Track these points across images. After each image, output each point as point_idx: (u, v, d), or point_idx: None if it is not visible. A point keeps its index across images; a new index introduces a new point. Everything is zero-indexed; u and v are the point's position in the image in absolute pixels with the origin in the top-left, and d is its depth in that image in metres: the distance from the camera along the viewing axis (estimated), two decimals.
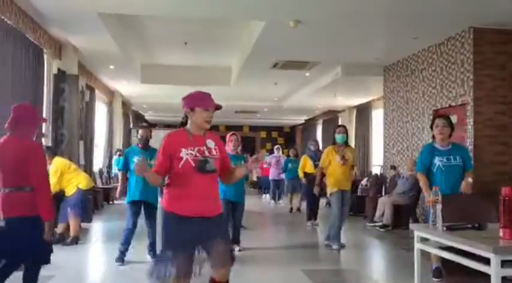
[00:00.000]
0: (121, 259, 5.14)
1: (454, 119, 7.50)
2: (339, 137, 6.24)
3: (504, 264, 2.08)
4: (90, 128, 10.77)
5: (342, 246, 6.11)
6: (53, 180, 6.12)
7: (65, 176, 6.42)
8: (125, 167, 5.35)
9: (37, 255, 3.45)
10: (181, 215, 2.75)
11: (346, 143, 6.30)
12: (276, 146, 14.07)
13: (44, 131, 7.90)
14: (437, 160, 4.30)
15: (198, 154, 2.80)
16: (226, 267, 2.81)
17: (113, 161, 13.23)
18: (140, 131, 5.40)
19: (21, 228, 3.25)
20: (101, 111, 12.75)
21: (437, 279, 4.15)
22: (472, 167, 4.51)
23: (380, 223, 8.20)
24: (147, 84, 12.20)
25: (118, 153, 13.12)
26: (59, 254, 5.67)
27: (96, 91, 11.50)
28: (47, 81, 8.15)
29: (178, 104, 10.99)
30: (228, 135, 5.98)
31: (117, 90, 13.94)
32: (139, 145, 5.36)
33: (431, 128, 4.51)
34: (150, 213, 5.25)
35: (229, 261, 2.84)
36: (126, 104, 15.89)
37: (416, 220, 7.87)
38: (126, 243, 5.17)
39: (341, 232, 6.22)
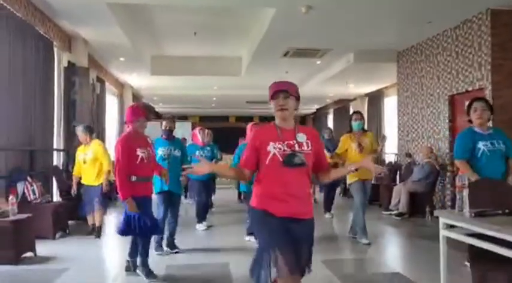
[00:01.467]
0: (160, 248, 5.23)
1: None
2: (355, 124, 6.05)
3: None
4: (102, 120, 10.75)
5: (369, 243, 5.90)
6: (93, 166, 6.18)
7: (98, 160, 6.22)
8: None
9: None
10: (273, 213, 2.55)
11: (363, 129, 6.13)
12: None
13: (55, 123, 7.91)
14: (481, 145, 3.96)
15: (286, 149, 2.60)
16: (298, 276, 2.53)
17: None
18: (164, 122, 5.36)
19: None
20: (111, 103, 12.73)
21: None
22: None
23: (396, 212, 8.08)
24: (157, 76, 12.14)
25: None
26: (74, 247, 5.69)
27: (107, 83, 11.48)
28: (57, 74, 8.13)
29: (188, 95, 10.96)
30: (249, 125, 5.90)
31: (127, 82, 13.90)
32: (164, 136, 5.34)
33: (468, 112, 4.22)
34: (174, 203, 5.32)
35: (303, 271, 2.58)
36: (136, 96, 15.86)
37: (433, 208, 7.74)
38: (162, 231, 5.20)
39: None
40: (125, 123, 4.43)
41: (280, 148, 2.59)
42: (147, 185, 4.25)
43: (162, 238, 5.32)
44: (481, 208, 2.44)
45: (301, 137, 2.67)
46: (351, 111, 16.44)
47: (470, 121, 4.15)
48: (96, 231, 6.30)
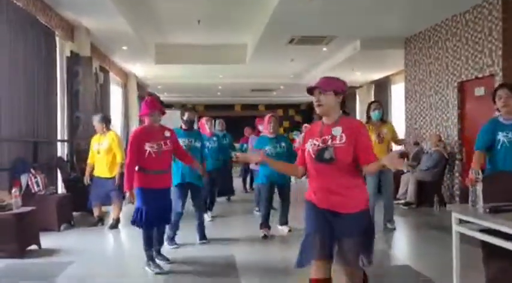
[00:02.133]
0: (173, 242, 5.20)
1: (481, 91, 7.22)
2: (374, 114, 5.94)
3: None
4: (106, 110, 10.68)
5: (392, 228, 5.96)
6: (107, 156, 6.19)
7: (112, 151, 6.22)
8: None
9: None
10: (316, 204, 2.67)
11: (382, 119, 6.01)
12: (305, 125, 13.36)
13: (59, 114, 7.85)
14: (501, 136, 3.71)
15: (321, 144, 2.64)
16: (347, 269, 2.62)
17: None
18: (186, 113, 5.36)
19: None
20: (115, 93, 12.65)
21: None
22: None
23: (403, 201, 7.99)
24: (162, 65, 12.03)
25: None
26: (79, 239, 5.66)
27: (110, 73, 11.39)
28: (60, 64, 8.04)
29: (193, 84, 10.86)
30: (266, 117, 5.84)
31: (132, 72, 13.81)
32: (184, 127, 5.35)
33: (494, 100, 4.03)
34: (196, 195, 5.29)
35: (353, 264, 2.59)
36: (141, 86, 15.77)
37: (441, 198, 7.64)
38: (175, 227, 5.18)
39: (390, 211, 6.03)
40: (140, 117, 4.46)
41: (315, 144, 2.66)
42: (156, 178, 4.19)
43: (175, 233, 5.23)
44: (496, 203, 2.34)
45: (337, 131, 2.66)
46: (357, 99, 16.33)
47: (498, 110, 3.93)
48: (114, 223, 6.30)
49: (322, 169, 2.63)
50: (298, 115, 24.02)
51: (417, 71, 9.22)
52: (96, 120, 6.47)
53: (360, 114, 15.75)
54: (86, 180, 6.41)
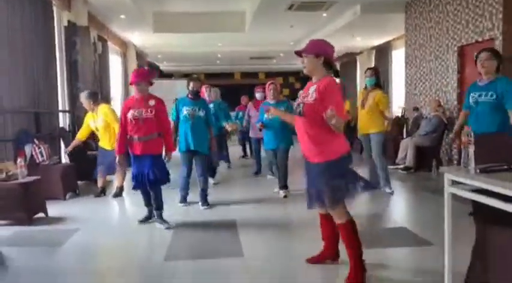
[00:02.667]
0: (185, 200, 5.67)
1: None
2: (366, 80, 6.10)
3: None
4: (105, 80, 10.67)
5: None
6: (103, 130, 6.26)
7: (110, 125, 6.20)
8: (177, 117, 5.59)
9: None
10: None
11: (375, 86, 6.04)
12: (300, 92, 13.38)
13: (59, 84, 7.86)
14: (470, 97, 4.10)
15: (300, 100, 3.06)
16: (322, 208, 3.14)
17: None
18: (191, 83, 5.58)
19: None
20: (115, 63, 12.59)
21: None
22: None
23: (402, 166, 8.09)
24: (160, 34, 11.91)
25: None
26: (85, 207, 5.80)
27: (109, 43, 11.30)
28: (57, 34, 7.99)
29: (193, 53, 10.84)
30: (266, 84, 6.21)
31: (130, 41, 13.68)
32: (190, 96, 5.58)
33: (476, 64, 4.15)
34: (199, 162, 5.53)
35: (320, 205, 3.10)
36: (140, 55, 15.65)
37: (439, 162, 7.74)
38: (185, 188, 5.65)
39: (380, 175, 6.12)
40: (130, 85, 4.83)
41: (298, 101, 3.07)
42: (137, 144, 4.53)
43: (187, 193, 5.68)
44: (487, 165, 2.41)
45: (312, 89, 3.00)
46: (358, 65, 16.22)
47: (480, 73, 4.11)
48: (118, 191, 6.39)
49: (299, 123, 3.04)
50: (298, 82, 23.90)
51: (417, 35, 9.14)
52: (83, 97, 6.36)
53: (360, 80, 15.69)
54: (69, 149, 6.52)
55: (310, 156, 3.02)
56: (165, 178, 4.65)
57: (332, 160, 2.91)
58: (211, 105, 7.16)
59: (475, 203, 2.71)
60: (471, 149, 2.46)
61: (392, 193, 6.04)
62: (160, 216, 4.74)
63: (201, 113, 5.52)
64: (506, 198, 2.15)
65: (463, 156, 2.51)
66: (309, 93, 2.99)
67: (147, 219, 4.87)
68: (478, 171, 2.37)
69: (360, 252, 3.04)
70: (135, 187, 4.73)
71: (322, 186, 2.96)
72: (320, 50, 2.99)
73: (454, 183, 2.62)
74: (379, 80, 6.14)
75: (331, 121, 2.70)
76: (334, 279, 3.27)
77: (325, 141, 2.93)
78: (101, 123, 6.19)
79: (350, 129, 8.11)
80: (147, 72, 4.80)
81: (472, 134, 2.50)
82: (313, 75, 3.05)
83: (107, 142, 6.28)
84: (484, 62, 4.06)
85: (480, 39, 7.08)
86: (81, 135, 6.48)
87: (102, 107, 6.33)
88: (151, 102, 4.56)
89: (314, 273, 3.32)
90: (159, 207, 4.74)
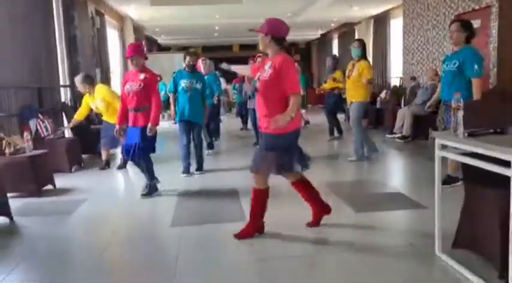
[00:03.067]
0: (187, 170, 5.85)
1: (477, 23, 7.24)
2: (352, 52, 6.29)
3: None
4: (104, 54, 10.70)
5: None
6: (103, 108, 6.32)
7: (111, 104, 6.22)
8: (175, 90, 5.90)
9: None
10: None
11: (360, 57, 6.16)
12: (258, 55, 12.91)
13: (59, 60, 7.92)
14: (440, 68, 4.47)
15: (258, 76, 3.28)
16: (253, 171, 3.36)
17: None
18: (187, 57, 5.80)
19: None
20: (112, 37, 12.57)
21: (446, 185, 4.32)
22: (473, 74, 4.19)
23: (399, 135, 8.25)
24: (157, 7, 11.84)
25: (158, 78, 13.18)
26: (90, 179, 5.97)
27: (107, 17, 11.26)
28: (56, 9, 8.00)
29: (190, 26, 10.85)
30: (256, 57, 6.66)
31: (128, 14, 13.59)
32: (187, 69, 5.82)
33: None
34: (195, 131, 5.84)
35: (253, 169, 3.34)
36: (137, 29, 15.56)
37: (436, 130, 7.88)
38: (187, 158, 5.83)
39: (354, 144, 6.37)
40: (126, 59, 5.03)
41: (257, 77, 3.29)
42: (129, 116, 4.78)
43: (189, 164, 5.86)
44: (475, 129, 2.55)
45: (267, 66, 3.22)
46: (356, 36, 16.14)
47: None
48: (122, 163, 6.54)
49: (257, 97, 3.33)
50: (297, 53, 23.81)
51: (415, 4, 9.14)
52: (78, 81, 6.32)
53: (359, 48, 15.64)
54: (62, 131, 6.66)
55: (263, 127, 3.28)
56: (147, 150, 4.75)
57: (278, 134, 3.15)
58: (206, 77, 7.27)
59: (464, 166, 2.87)
60: (460, 114, 2.59)
61: (361, 159, 6.26)
62: (148, 187, 4.87)
63: (198, 86, 5.78)
64: (491, 160, 2.30)
65: (452, 121, 2.64)
66: (265, 70, 3.20)
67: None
68: (465, 135, 2.51)
69: (259, 218, 3.42)
70: (125, 159, 4.97)
71: (261, 152, 3.29)
72: (269, 29, 3.18)
73: (444, 147, 2.77)
74: (365, 51, 6.31)
75: (276, 125, 3.02)
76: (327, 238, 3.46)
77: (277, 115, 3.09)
78: (101, 103, 6.22)
79: (342, 99, 8.23)
80: (140, 46, 4.94)
81: (462, 100, 2.62)
82: (268, 52, 3.29)
83: (110, 116, 6.37)
84: (453, 33, 4.31)
85: (477, 7, 7.12)
86: (80, 115, 6.47)
87: (99, 88, 6.34)
88: (141, 76, 4.72)
89: (311, 233, 3.51)
90: (149, 178, 4.88)
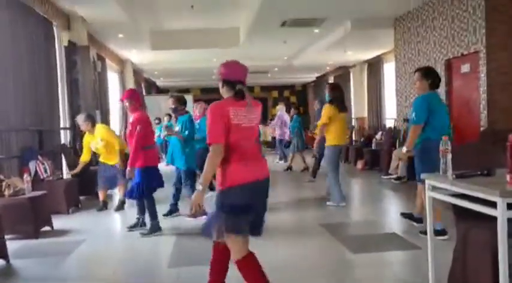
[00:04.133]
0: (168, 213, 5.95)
1: (467, 67, 7.50)
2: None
3: (510, 206, 2.20)
4: (104, 97, 10.93)
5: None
6: (101, 149, 6.46)
7: (110, 143, 6.41)
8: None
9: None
10: None
11: (329, 101, 6.29)
12: (279, 106, 12.95)
13: (60, 102, 8.11)
14: None
15: None
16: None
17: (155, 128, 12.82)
18: (169, 100, 6.07)
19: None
20: (113, 80, 12.86)
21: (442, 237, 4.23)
22: (413, 122, 4.48)
23: (394, 176, 8.34)
24: (157, 51, 12.22)
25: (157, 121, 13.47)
26: (88, 220, 5.99)
27: (107, 61, 11.58)
28: (59, 54, 8.25)
29: (188, 69, 11.16)
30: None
31: (128, 58, 13.99)
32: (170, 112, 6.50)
33: None
34: (179, 176, 6.00)
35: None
36: (137, 72, 15.95)
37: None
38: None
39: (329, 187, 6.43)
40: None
41: None
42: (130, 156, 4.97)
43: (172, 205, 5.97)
44: (462, 171, 2.66)
45: None
46: (351, 78, 16.56)
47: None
48: (120, 204, 6.58)
49: None
50: (293, 95, 24.26)
51: (406, 49, 9.47)
52: (80, 120, 6.54)
53: (353, 93, 16.03)
54: (75, 172, 6.76)
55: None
56: (148, 190, 4.95)
57: (222, 190, 2.71)
58: (198, 121, 6.95)
59: (454, 207, 2.95)
60: (449, 157, 2.70)
61: (337, 205, 6.14)
62: (150, 226, 5.07)
63: (177, 128, 5.89)
64: (480, 200, 2.39)
65: (441, 164, 2.75)
66: None
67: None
68: (454, 176, 2.62)
69: None
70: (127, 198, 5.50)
71: (214, 212, 2.78)
72: (219, 73, 2.83)
73: (435, 188, 2.86)
74: (334, 95, 6.28)
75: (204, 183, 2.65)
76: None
77: (221, 168, 2.71)
78: (101, 143, 6.39)
79: None
80: (129, 92, 5.28)
81: (449, 143, 2.75)
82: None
83: (107, 156, 6.49)
84: (416, 82, 4.59)
85: (466, 52, 7.40)
86: (85, 157, 6.65)
87: (99, 127, 6.60)
88: (130, 119, 5.03)
89: (312, 275, 3.54)
90: (151, 217, 5.07)
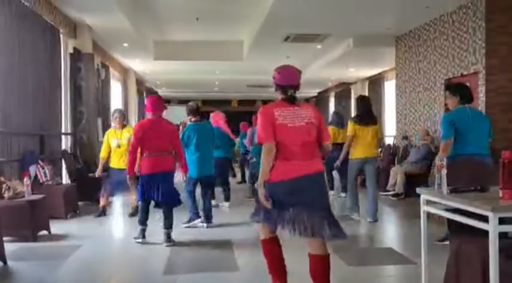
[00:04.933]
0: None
1: None
2: None
3: (502, 221, 2.25)
4: (107, 105, 11.01)
5: None
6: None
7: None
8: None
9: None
10: None
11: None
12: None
13: (63, 108, 8.19)
14: None
15: None
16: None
17: None
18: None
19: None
20: (115, 88, 12.97)
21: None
22: (440, 139, 4.63)
23: (392, 192, 8.38)
24: (160, 61, 12.34)
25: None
26: (86, 225, 6.02)
27: (111, 69, 11.69)
28: (63, 61, 8.35)
29: (191, 80, 11.27)
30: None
31: (131, 67, 14.11)
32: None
33: None
34: None
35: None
36: (139, 81, 16.08)
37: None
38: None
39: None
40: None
41: None
42: None
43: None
44: (456, 186, 2.71)
45: None
46: (352, 94, 16.69)
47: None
48: (134, 211, 6.44)
49: None
50: None
51: (407, 68, 9.58)
52: (119, 113, 6.69)
53: (354, 106, 16.10)
54: (99, 172, 6.57)
55: None
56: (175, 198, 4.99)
57: (268, 182, 2.93)
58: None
59: (450, 224, 3.00)
60: (443, 172, 2.76)
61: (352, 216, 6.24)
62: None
63: None
64: (473, 215, 2.44)
65: (436, 178, 2.81)
66: None
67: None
68: (448, 191, 2.67)
69: (274, 272, 3.17)
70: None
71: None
72: (273, 77, 3.12)
73: (430, 202, 2.91)
74: (358, 109, 6.44)
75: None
76: None
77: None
78: (125, 141, 6.32)
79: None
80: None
81: (445, 159, 2.80)
82: None
83: (119, 161, 6.41)
84: (447, 101, 4.74)
85: (465, 73, 7.49)
86: (103, 154, 6.55)
87: (129, 128, 6.58)
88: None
89: None
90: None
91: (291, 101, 2.99)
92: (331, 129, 8.52)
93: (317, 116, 3.03)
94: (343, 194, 8.51)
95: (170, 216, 4.91)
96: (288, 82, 3.03)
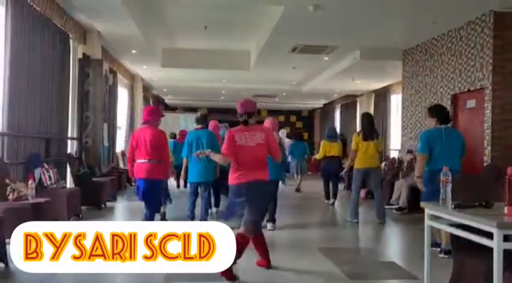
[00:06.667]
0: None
1: (472, 103, 7.58)
2: None
3: (506, 238, 2.24)
4: (113, 110, 11.07)
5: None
6: None
7: None
8: None
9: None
10: None
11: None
12: (281, 130, 13.25)
13: (70, 113, 8.24)
14: None
15: None
16: None
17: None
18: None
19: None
20: (122, 94, 13.04)
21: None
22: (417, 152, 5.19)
23: (396, 206, 8.33)
24: (168, 68, 12.41)
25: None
26: None
27: (118, 75, 11.77)
28: (72, 66, 8.42)
29: (197, 88, 11.37)
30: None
31: (138, 74, 14.19)
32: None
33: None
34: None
35: None
36: (146, 88, 16.16)
37: None
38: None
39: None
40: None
41: None
42: None
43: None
44: (462, 202, 2.70)
45: None
46: (358, 107, 16.69)
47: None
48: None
49: None
50: (299, 121, 24.39)
51: (414, 82, 9.59)
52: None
53: (359, 121, 16.09)
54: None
55: None
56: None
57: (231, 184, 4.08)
58: None
59: (453, 239, 2.98)
60: (448, 187, 2.75)
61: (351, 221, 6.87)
62: None
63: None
64: (477, 231, 2.42)
65: (441, 193, 2.80)
66: None
67: None
68: (452, 206, 2.66)
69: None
70: None
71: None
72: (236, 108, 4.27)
73: (434, 217, 2.90)
74: (361, 125, 7.36)
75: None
76: None
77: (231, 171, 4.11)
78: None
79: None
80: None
81: (450, 174, 2.79)
82: None
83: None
84: (426, 121, 5.53)
85: (472, 88, 7.49)
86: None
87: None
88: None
89: None
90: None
91: (245, 123, 4.13)
92: (322, 143, 9.07)
93: (266, 137, 4.11)
94: (329, 201, 9.03)
95: (152, 219, 5.36)
96: (245, 110, 4.18)
